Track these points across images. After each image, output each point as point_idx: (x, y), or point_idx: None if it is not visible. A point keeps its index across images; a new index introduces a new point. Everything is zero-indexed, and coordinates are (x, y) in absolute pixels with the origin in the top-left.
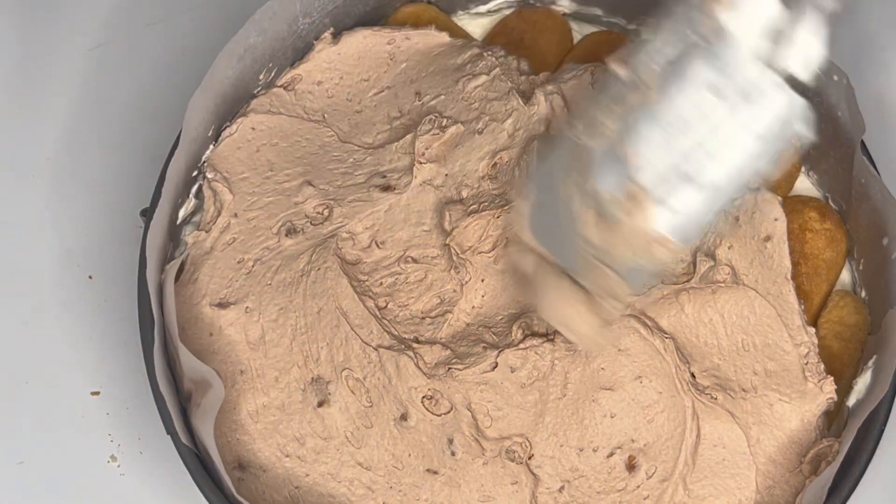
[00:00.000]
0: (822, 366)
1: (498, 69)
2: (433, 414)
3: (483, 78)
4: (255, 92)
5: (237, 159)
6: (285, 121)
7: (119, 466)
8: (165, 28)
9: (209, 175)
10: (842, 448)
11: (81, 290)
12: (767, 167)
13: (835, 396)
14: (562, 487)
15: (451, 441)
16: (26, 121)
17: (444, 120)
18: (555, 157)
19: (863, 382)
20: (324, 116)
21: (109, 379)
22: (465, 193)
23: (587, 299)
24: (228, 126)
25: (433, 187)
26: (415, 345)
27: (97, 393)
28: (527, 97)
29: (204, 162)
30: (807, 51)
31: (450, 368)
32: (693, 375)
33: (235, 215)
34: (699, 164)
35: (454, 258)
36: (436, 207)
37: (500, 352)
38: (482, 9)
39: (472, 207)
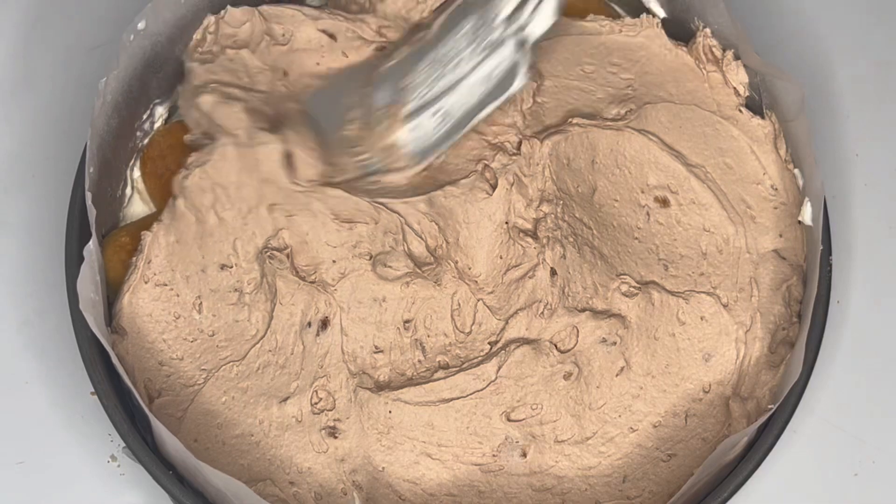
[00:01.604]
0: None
1: None
2: None
3: None
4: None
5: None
6: None
7: (119, 466)
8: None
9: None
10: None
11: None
12: (488, 110)
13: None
14: None
15: None
16: (26, 121)
17: None
18: (338, 82)
19: None
20: None
21: None
22: None
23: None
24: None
25: None
26: None
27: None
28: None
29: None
30: (541, 17)
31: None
32: None
33: None
34: (441, 93)
35: None
36: None
37: None
38: None
39: None
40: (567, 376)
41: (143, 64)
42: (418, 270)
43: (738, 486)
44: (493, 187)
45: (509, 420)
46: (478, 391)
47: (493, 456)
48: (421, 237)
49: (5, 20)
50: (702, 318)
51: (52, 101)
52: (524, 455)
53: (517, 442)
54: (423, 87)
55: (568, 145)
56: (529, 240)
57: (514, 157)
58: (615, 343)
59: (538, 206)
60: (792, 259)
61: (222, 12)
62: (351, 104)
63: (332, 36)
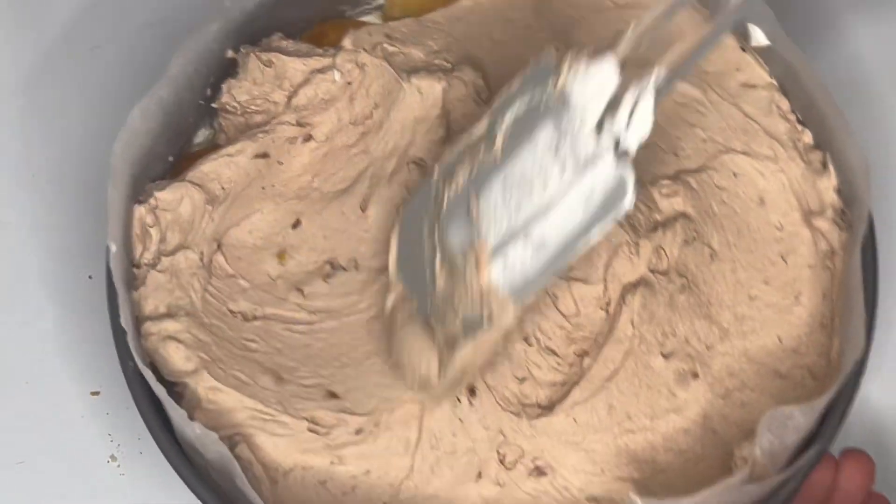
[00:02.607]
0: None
1: None
2: None
3: None
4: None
5: None
6: None
7: (119, 466)
8: (165, 28)
9: None
10: None
11: (81, 290)
12: (594, 234)
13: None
14: None
15: None
16: (26, 121)
17: None
18: (419, 197)
19: None
20: None
21: (109, 379)
22: None
23: (435, 348)
24: None
25: None
26: None
27: (97, 393)
28: None
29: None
30: (636, 121)
31: None
32: None
33: None
34: (530, 220)
35: None
36: None
37: None
38: None
39: None
40: (682, 290)
41: None
42: None
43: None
44: None
45: (666, 358)
46: (627, 351)
47: (675, 395)
48: None
49: (5, 20)
50: (734, 175)
51: (53, 102)
52: (696, 376)
53: (684, 371)
54: (500, 215)
55: None
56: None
57: None
58: (694, 238)
59: None
60: (767, 80)
61: (147, 202)
62: (430, 252)
63: (264, 155)
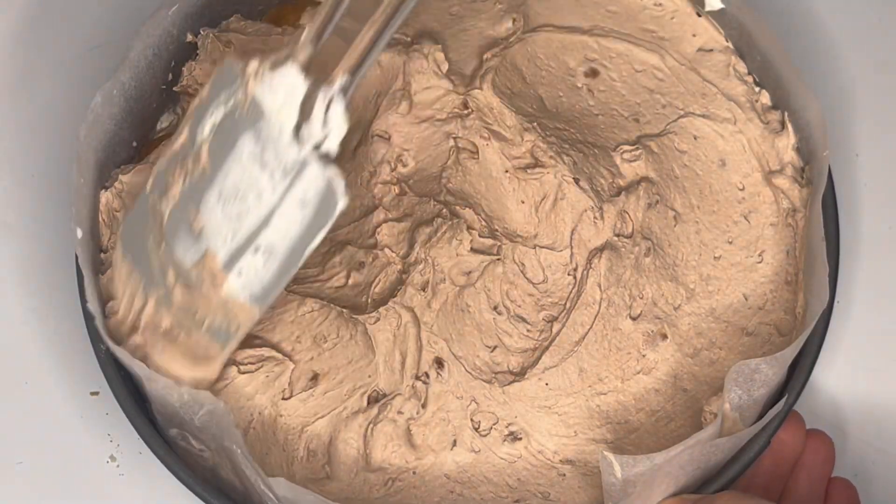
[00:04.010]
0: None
1: None
2: None
3: None
4: None
5: None
6: None
7: (119, 466)
8: None
9: None
10: None
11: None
12: (318, 238)
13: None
14: None
15: None
16: (26, 121)
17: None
18: (134, 216)
19: None
20: None
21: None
22: None
23: (186, 359)
24: None
25: None
26: None
27: (97, 393)
28: None
29: None
30: (331, 124)
31: None
32: None
33: None
34: (254, 230)
35: None
36: None
37: None
38: None
39: None
40: (648, 253)
41: None
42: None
43: (730, 481)
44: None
45: (634, 320)
46: (596, 314)
47: (644, 356)
48: (473, 227)
49: (5, 20)
50: (695, 138)
51: (52, 101)
52: (665, 337)
53: (653, 332)
54: (224, 227)
55: (500, 77)
56: (538, 169)
57: (469, 116)
58: (658, 201)
59: (522, 139)
60: (723, 43)
61: (112, 187)
62: (160, 266)
63: None
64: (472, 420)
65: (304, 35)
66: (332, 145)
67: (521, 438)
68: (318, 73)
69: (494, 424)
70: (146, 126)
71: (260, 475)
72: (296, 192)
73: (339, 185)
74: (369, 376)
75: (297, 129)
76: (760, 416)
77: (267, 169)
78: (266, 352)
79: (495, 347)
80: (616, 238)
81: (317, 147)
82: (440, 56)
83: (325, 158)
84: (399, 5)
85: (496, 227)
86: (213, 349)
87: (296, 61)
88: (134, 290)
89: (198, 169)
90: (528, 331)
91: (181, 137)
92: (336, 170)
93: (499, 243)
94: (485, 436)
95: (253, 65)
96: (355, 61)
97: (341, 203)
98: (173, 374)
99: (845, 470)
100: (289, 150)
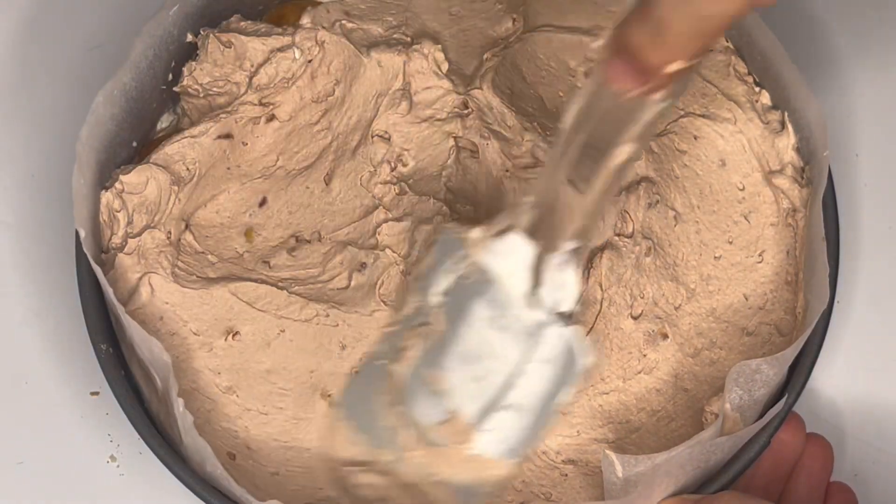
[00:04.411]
0: None
1: None
2: None
3: None
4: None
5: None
6: None
7: (119, 466)
8: None
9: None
10: None
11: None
12: (567, 394)
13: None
14: None
15: None
16: (26, 121)
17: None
18: (361, 378)
19: None
20: None
21: None
22: None
23: None
24: None
25: None
26: None
27: (97, 393)
28: None
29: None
30: (565, 287)
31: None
32: None
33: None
34: (499, 390)
35: None
36: None
37: None
38: None
39: None
40: (648, 252)
41: None
42: None
43: (731, 481)
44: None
45: (635, 319)
46: (598, 314)
47: (645, 355)
48: None
49: (5, 20)
50: (695, 138)
51: (52, 101)
52: (665, 336)
53: (654, 332)
54: (469, 388)
55: (500, 77)
56: (538, 169)
57: (469, 115)
58: (658, 201)
59: (522, 139)
60: (723, 44)
61: (113, 187)
62: (393, 427)
63: (228, 136)
64: None
65: (524, 202)
66: (569, 306)
67: None
68: (543, 238)
69: None
70: (146, 126)
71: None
72: (539, 353)
73: (581, 345)
74: None
75: (531, 293)
76: (761, 417)
77: (506, 332)
78: None
79: None
80: (617, 238)
81: (553, 309)
82: (440, 56)
83: (564, 318)
84: (618, 174)
85: None
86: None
87: (519, 228)
88: (361, 450)
89: (434, 333)
90: None
91: (411, 303)
92: (576, 328)
93: None
94: None
95: (475, 233)
96: (581, 226)
97: (583, 361)
98: None
99: (845, 470)
100: (526, 314)
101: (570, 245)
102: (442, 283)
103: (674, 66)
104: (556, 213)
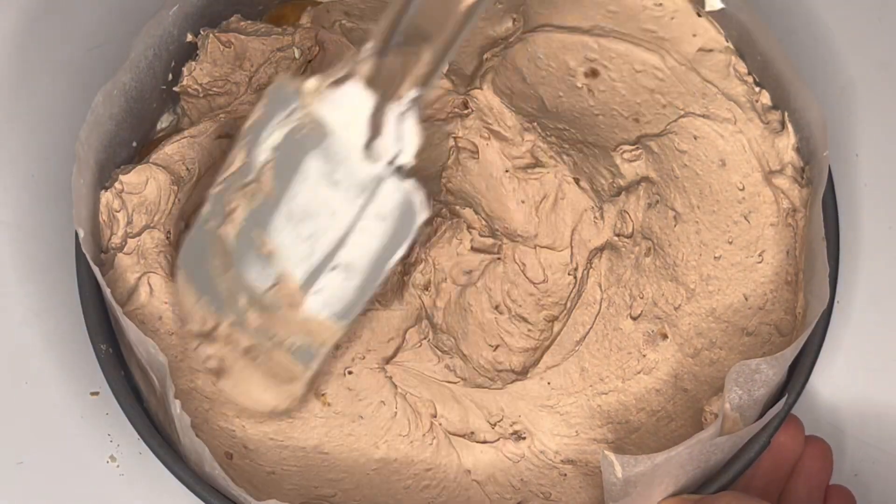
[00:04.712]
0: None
1: None
2: None
3: None
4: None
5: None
6: None
7: (118, 466)
8: None
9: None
10: None
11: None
12: (401, 251)
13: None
14: None
15: None
16: (26, 121)
17: None
18: (192, 242)
19: None
20: None
21: None
22: None
23: (267, 380)
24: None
25: None
26: None
27: (97, 393)
28: None
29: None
30: (404, 138)
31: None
32: None
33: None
34: (330, 249)
35: None
36: None
37: None
38: None
39: None
40: (648, 253)
41: None
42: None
43: (731, 481)
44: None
45: (634, 319)
46: (596, 314)
47: (645, 356)
48: (473, 227)
49: (5, 20)
50: (695, 138)
51: (52, 101)
52: (665, 337)
53: (653, 332)
54: (297, 248)
55: (500, 77)
56: (538, 169)
57: (469, 115)
58: (658, 201)
59: (523, 139)
60: (723, 44)
61: (112, 187)
62: (229, 291)
63: (228, 136)
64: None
65: (364, 49)
66: (408, 158)
67: (524, 438)
68: (383, 87)
69: (499, 421)
70: (146, 126)
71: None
72: (373, 208)
73: (419, 196)
74: None
75: (368, 145)
76: (761, 417)
77: (339, 187)
78: None
79: (497, 346)
80: (616, 238)
81: (391, 162)
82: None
83: (401, 172)
84: (468, 17)
85: (496, 227)
86: (296, 369)
87: (359, 77)
88: (204, 314)
89: (261, 192)
90: (528, 330)
91: (237, 160)
92: (414, 182)
93: (499, 242)
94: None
95: (311, 83)
96: (424, 73)
97: (422, 215)
98: (254, 395)
99: (845, 470)
100: (362, 167)
101: (411, 94)
102: (271, 137)
103: None
104: (397, 59)
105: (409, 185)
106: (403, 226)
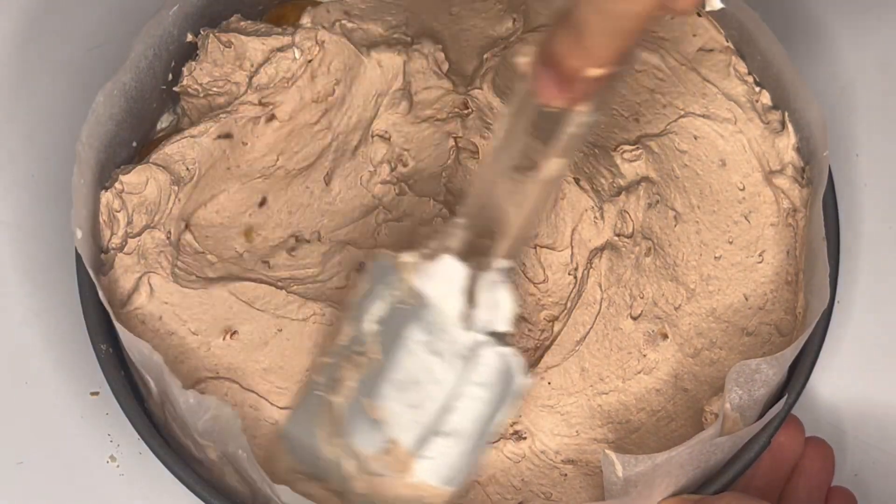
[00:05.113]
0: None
1: None
2: None
3: None
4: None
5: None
6: None
7: (118, 466)
8: None
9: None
10: None
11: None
12: (504, 414)
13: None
14: None
15: None
16: (26, 121)
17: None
18: (303, 411)
19: None
20: None
21: None
22: None
23: None
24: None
25: None
26: None
27: (97, 393)
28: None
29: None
30: (499, 306)
31: None
32: None
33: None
34: (437, 416)
35: None
36: None
37: None
38: None
39: None
40: (648, 253)
41: None
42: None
43: (731, 481)
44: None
45: (635, 319)
46: (596, 314)
47: (645, 356)
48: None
49: (5, 20)
50: (695, 138)
51: (52, 101)
52: (665, 337)
53: (653, 332)
54: (406, 416)
55: (500, 77)
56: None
57: (469, 115)
58: (658, 201)
59: None
60: (724, 43)
61: (113, 187)
62: (336, 458)
63: (228, 136)
64: None
65: (453, 225)
66: (503, 325)
67: (525, 438)
68: (474, 258)
69: None
70: (146, 126)
71: (266, 482)
72: (475, 376)
73: (517, 363)
74: None
75: (464, 314)
76: (761, 417)
77: (442, 356)
78: None
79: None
80: (616, 238)
81: (487, 330)
82: (440, 56)
83: (498, 338)
84: (549, 185)
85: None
86: None
87: (451, 251)
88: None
89: (369, 361)
90: (529, 330)
91: (344, 333)
92: (511, 349)
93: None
94: None
95: (407, 257)
96: (511, 245)
97: (520, 380)
98: None
99: (845, 471)
100: (460, 336)
101: (502, 264)
102: (376, 309)
103: (595, 72)
104: (487, 233)
105: (506, 351)
106: (505, 389)
